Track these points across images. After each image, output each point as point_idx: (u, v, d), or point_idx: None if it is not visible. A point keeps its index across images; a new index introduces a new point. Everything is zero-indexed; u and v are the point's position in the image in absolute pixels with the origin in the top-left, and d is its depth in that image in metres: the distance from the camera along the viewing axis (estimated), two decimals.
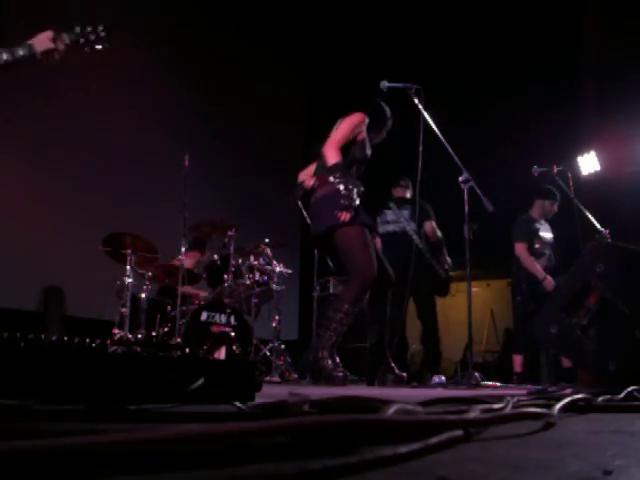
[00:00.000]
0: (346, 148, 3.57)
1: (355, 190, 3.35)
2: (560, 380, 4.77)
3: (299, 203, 5.64)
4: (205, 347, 4.47)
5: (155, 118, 7.20)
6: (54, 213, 6.11)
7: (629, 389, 1.71)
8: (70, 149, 6.30)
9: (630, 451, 0.66)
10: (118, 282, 4.79)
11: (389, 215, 5.35)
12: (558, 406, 1.00)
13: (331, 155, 3.45)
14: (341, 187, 3.28)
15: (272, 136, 8.92)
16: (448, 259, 5.32)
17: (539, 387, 4.06)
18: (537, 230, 5.19)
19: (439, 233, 5.32)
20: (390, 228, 5.29)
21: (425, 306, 5.35)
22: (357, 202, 3.37)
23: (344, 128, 3.60)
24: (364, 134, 3.65)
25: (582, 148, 6.87)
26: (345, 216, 3.30)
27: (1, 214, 5.47)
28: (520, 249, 5.22)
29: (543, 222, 5.40)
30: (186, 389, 1.04)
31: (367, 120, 3.67)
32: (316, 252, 5.81)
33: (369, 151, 3.71)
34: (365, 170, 3.76)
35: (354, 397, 1.22)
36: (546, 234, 5.41)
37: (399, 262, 4.12)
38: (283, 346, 5.62)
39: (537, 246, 5.31)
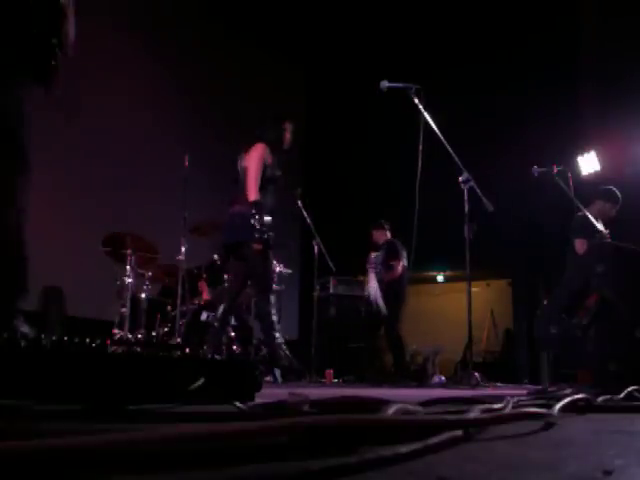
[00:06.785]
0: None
1: (266, 223, 3.94)
2: (560, 380, 4.77)
3: (299, 203, 5.67)
4: (205, 347, 4.47)
5: (155, 118, 7.20)
6: (54, 213, 6.10)
7: (629, 389, 1.71)
8: (70, 149, 6.30)
9: (630, 451, 0.66)
10: (118, 282, 4.78)
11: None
12: (558, 406, 1.00)
13: (251, 194, 3.99)
14: (256, 225, 3.83)
15: None
16: None
17: (539, 387, 4.06)
18: (595, 226, 5.04)
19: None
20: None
21: None
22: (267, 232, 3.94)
23: (253, 168, 4.05)
24: (270, 159, 4.18)
25: (582, 148, 6.87)
26: (258, 247, 3.85)
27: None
28: (580, 245, 5.08)
29: (599, 222, 5.24)
30: (186, 389, 1.04)
31: (268, 148, 4.18)
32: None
33: (278, 172, 4.26)
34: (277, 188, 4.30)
35: (354, 397, 1.23)
36: (604, 230, 5.28)
37: None
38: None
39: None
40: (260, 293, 4.04)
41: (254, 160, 4.09)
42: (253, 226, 3.81)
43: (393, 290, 5.99)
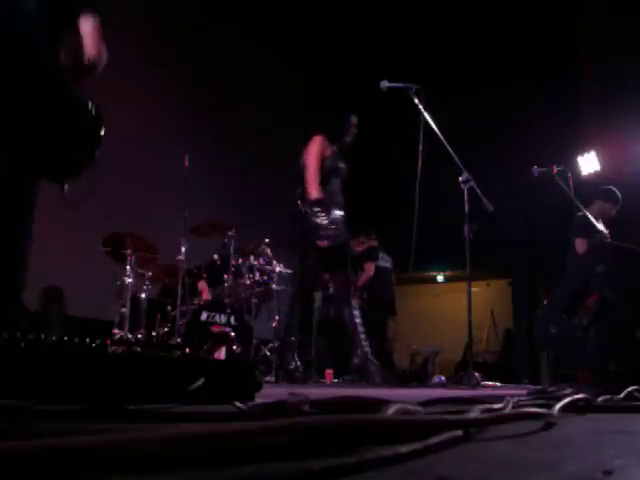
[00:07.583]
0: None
1: (334, 219, 3.87)
2: (560, 380, 4.77)
3: (299, 203, 5.66)
4: (205, 347, 4.47)
5: (155, 118, 7.20)
6: (54, 213, 6.10)
7: (629, 389, 1.72)
8: None
9: (630, 451, 0.66)
10: (118, 282, 4.78)
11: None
12: (558, 406, 1.00)
13: (312, 192, 3.88)
14: (324, 222, 3.80)
15: (272, 136, 8.91)
16: None
17: (539, 387, 4.06)
18: (595, 226, 5.02)
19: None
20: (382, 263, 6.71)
21: None
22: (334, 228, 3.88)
23: (311, 164, 3.93)
24: (329, 150, 4.04)
25: (582, 148, 6.87)
26: (322, 243, 3.84)
27: None
28: (580, 245, 5.07)
29: (599, 222, 5.22)
30: (186, 389, 1.04)
31: (326, 138, 4.05)
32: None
33: (341, 163, 4.13)
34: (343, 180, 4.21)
35: (354, 397, 1.23)
36: (604, 230, 5.26)
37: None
38: None
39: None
40: (293, 292, 4.05)
41: (311, 154, 3.95)
42: (316, 225, 3.76)
43: (369, 292, 6.52)
